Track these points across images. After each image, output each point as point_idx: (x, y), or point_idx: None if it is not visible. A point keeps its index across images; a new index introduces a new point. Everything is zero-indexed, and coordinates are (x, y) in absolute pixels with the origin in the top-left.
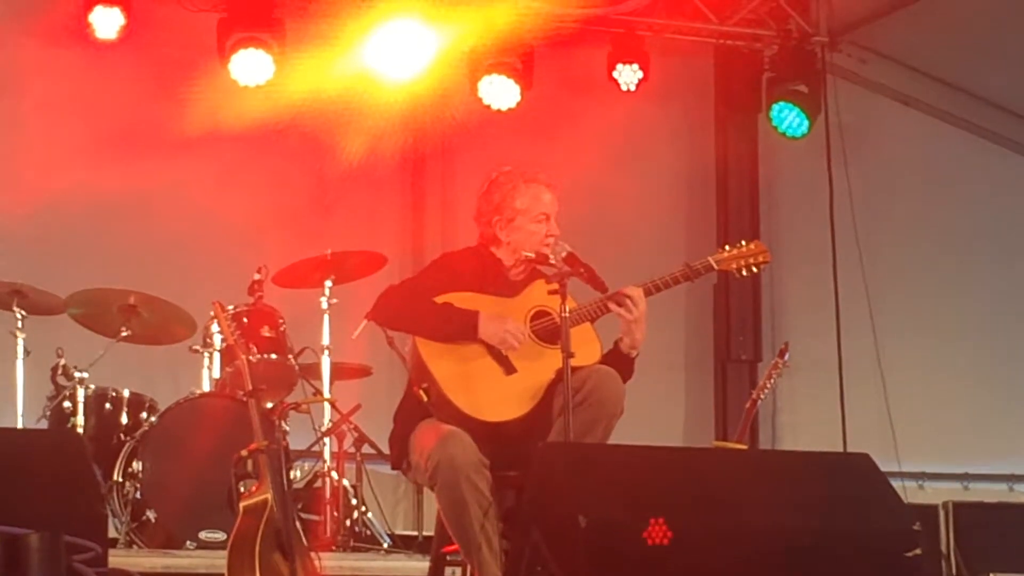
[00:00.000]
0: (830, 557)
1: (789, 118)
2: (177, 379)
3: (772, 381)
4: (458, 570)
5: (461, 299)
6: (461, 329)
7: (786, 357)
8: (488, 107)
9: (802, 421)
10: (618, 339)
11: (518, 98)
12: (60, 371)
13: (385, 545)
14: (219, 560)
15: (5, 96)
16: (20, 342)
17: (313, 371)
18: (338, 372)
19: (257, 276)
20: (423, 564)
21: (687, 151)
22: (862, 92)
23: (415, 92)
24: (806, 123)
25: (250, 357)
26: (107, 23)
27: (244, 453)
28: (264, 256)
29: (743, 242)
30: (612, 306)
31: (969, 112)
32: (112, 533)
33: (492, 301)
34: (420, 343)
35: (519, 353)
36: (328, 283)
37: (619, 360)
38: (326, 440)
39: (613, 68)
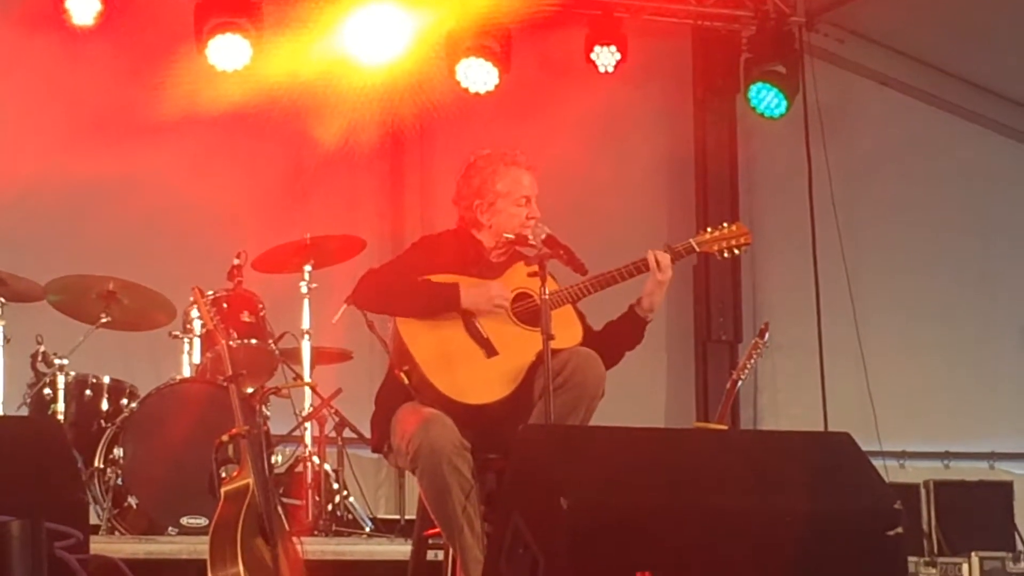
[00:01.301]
0: (811, 536)
1: (767, 99)
2: (157, 365)
3: (752, 361)
4: (440, 553)
5: (442, 281)
6: (443, 302)
7: (766, 337)
8: (466, 90)
9: (783, 401)
10: (634, 303)
11: (496, 81)
12: (40, 358)
13: (367, 529)
14: (201, 546)
15: None
16: None
17: (293, 356)
18: (318, 357)
19: (236, 261)
20: (405, 548)
21: (665, 132)
22: (840, 72)
23: (393, 76)
24: (784, 104)
25: (230, 342)
26: (84, 9)
27: (225, 438)
28: (243, 241)
29: (725, 224)
30: (651, 262)
31: (947, 92)
32: (94, 519)
33: (472, 282)
34: (401, 325)
35: (500, 335)
36: (307, 268)
37: (634, 324)
38: (307, 425)
39: (591, 50)
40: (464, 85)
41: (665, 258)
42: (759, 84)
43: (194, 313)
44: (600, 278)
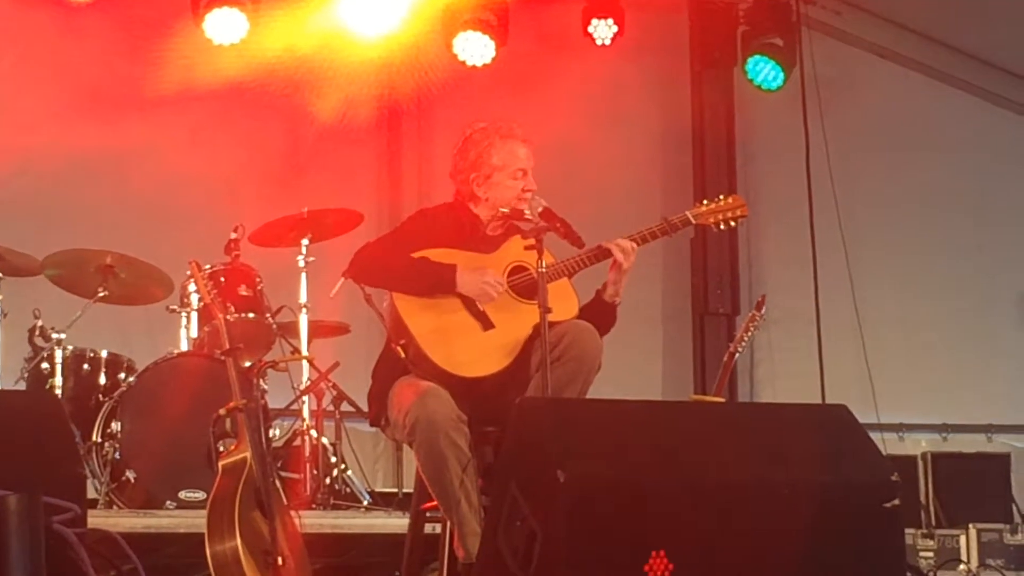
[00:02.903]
0: (808, 508)
1: (764, 71)
2: (155, 339)
3: (749, 334)
4: (438, 526)
5: (438, 255)
6: (439, 283)
7: (763, 310)
8: (463, 63)
9: (780, 374)
10: (600, 288)
11: (493, 54)
12: (38, 332)
13: (365, 502)
14: (199, 519)
15: None
16: None
17: (291, 329)
18: (316, 330)
19: (233, 235)
20: (403, 521)
21: (663, 105)
22: (837, 44)
23: (390, 49)
24: (781, 76)
25: (227, 316)
26: None
27: (222, 412)
28: (240, 215)
29: (721, 196)
30: (615, 250)
31: (945, 64)
32: (91, 494)
33: (469, 257)
34: (398, 299)
35: (496, 309)
36: (305, 241)
37: (603, 309)
38: (305, 398)
39: (588, 23)
40: (461, 58)
41: (627, 244)
42: (756, 56)
43: (191, 287)
44: (597, 251)
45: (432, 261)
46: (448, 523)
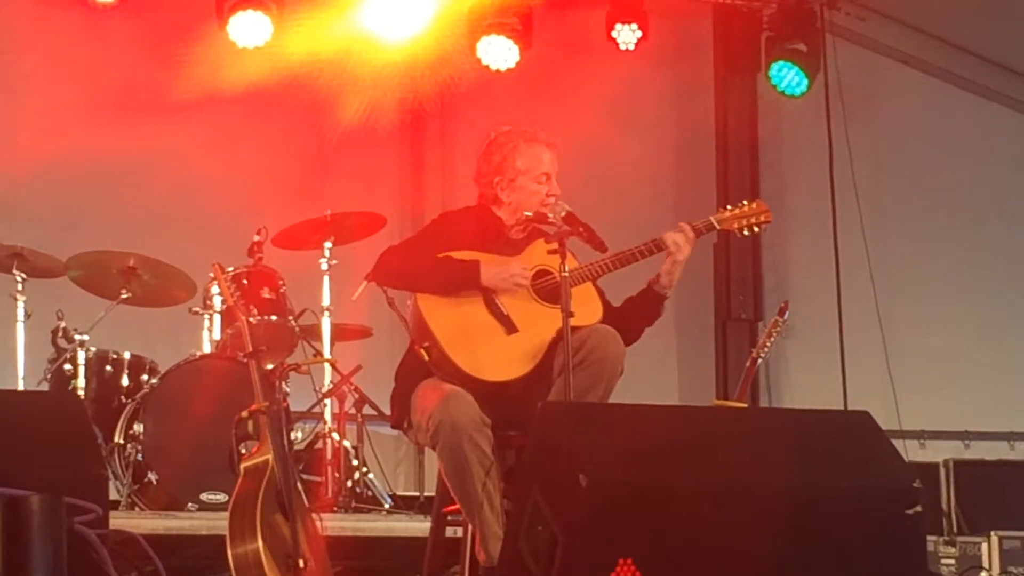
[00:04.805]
0: (830, 514)
1: (788, 77)
2: (177, 341)
3: (772, 340)
4: (459, 530)
5: (462, 256)
6: (463, 279)
7: (786, 315)
8: (487, 67)
9: (802, 380)
10: (652, 279)
11: (517, 58)
12: (60, 334)
13: (386, 506)
14: (220, 521)
15: (3, 60)
16: (20, 305)
17: (313, 332)
18: (338, 333)
19: (257, 238)
20: (424, 524)
21: (686, 110)
22: (861, 51)
23: (414, 53)
24: (805, 82)
25: (250, 319)
26: None
27: (245, 414)
28: (263, 218)
29: (744, 201)
30: (667, 243)
31: (969, 70)
32: (113, 495)
33: (493, 259)
34: (421, 302)
35: (520, 312)
36: (328, 244)
37: (652, 300)
38: (327, 401)
39: (612, 28)
40: (485, 62)
41: (680, 237)
42: (780, 62)
43: (214, 289)
44: (620, 256)
45: (455, 259)
46: (470, 527)
